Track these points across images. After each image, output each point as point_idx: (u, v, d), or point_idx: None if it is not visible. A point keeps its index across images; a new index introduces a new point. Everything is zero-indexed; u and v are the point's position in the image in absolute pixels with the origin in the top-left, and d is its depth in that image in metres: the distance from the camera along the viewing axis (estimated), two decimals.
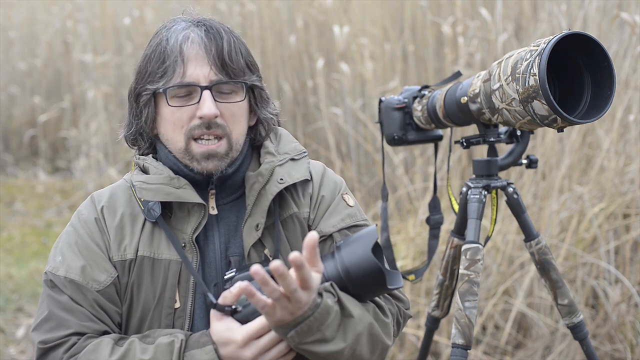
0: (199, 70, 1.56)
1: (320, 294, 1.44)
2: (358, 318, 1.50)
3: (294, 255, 1.35)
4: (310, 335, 1.44)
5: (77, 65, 7.67)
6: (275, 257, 1.60)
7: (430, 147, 3.96)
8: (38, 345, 1.54)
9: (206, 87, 1.55)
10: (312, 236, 1.39)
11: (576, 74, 1.76)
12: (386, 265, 1.59)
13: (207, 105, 1.54)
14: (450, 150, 2.32)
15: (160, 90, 1.56)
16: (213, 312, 1.51)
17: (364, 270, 1.48)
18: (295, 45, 5.39)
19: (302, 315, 1.42)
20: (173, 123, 1.58)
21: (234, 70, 1.58)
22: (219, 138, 1.57)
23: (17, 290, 4.72)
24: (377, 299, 1.58)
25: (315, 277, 1.42)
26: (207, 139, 1.57)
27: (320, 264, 1.44)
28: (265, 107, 1.66)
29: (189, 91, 1.57)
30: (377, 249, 1.51)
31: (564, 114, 1.66)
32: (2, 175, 7.98)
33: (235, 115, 1.59)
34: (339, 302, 1.48)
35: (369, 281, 1.49)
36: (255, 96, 1.64)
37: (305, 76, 5.35)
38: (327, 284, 1.48)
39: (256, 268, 1.34)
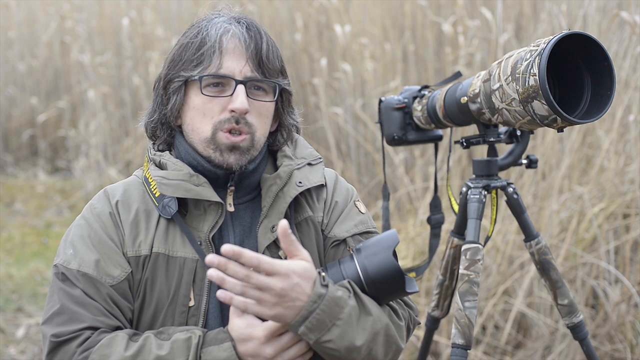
0: (236, 64, 1.57)
1: (325, 286, 1.43)
2: (377, 317, 1.50)
3: (224, 248, 1.34)
4: (325, 332, 1.43)
5: (76, 66, 7.67)
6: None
7: (430, 147, 3.96)
8: (50, 339, 1.52)
9: (241, 82, 1.57)
10: (282, 224, 1.40)
11: (576, 74, 1.76)
12: None
13: (240, 99, 1.55)
14: (450, 150, 2.32)
15: (196, 77, 1.57)
16: (233, 309, 1.49)
17: (384, 272, 1.49)
18: (296, 45, 5.39)
19: (306, 308, 1.41)
20: (203, 113, 1.58)
21: (269, 70, 1.59)
22: (242, 133, 1.58)
23: (17, 290, 4.72)
24: (391, 303, 1.59)
25: (291, 263, 1.41)
26: (232, 133, 1.58)
27: (302, 252, 1.44)
28: (290, 114, 1.69)
29: (223, 83, 1.58)
30: (393, 253, 1.52)
31: (564, 114, 1.66)
32: (2, 175, 7.98)
33: (262, 115, 1.61)
34: (358, 298, 1.48)
35: (388, 284, 1.50)
36: (283, 101, 1.67)
37: (306, 76, 5.35)
38: (345, 282, 1.49)
39: (210, 258, 1.34)
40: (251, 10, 5.65)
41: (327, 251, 1.67)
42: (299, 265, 1.42)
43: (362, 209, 1.74)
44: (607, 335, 3.14)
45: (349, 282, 1.49)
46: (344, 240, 1.67)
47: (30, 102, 8.18)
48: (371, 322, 1.49)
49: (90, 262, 1.56)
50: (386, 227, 2.37)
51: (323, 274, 1.47)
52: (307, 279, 1.42)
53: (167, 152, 1.66)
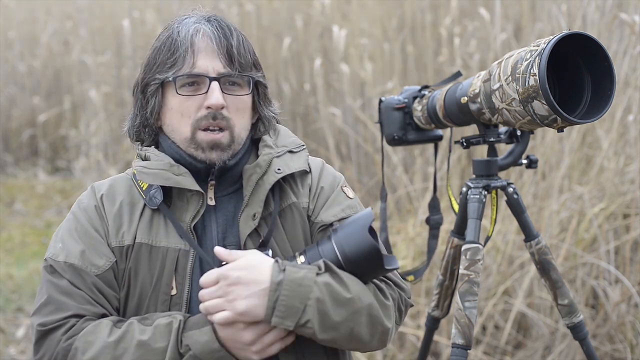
0: (209, 62, 1.60)
1: (282, 270, 1.47)
2: (356, 295, 1.51)
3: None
4: (301, 314, 1.46)
5: (77, 66, 7.67)
6: (267, 243, 1.63)
7: (430, 146, 3.96)
8: (37, 328, 1.56)
9: (215, 79, 1.60)
10: (216, 251, 1.52)
11: (576, 74, 1.76)
12: (382, 248, 1.60)
13: (215, 95, 1.59)
14: (450, 150, 2.32)
15: (170, 78, 1.60)
16: None
17: (361, 250, 1.49)
18: (293, 47, 5.38)
19: (270, 299, 1.45)
20: (181, 113, 1.62)
21: (242, 64, 1.63)
22: (222, 130, 1.61)
23: (17, 290, 4.72)
24: (377, 282, 1.59)
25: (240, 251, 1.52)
26: (212, 130, 1.61)
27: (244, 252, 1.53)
28: (267, 106, 1.72)
29: (198, 82, 1.61)
30: (372, 232, 1.52)
31: (564, 114, 1.66)
32: (2, 175, 7.98)
33: (239, 109, 1.64)
34: (334, 275, 1.49)
35: (366, 261, 1.50)
36: (259, 93, 1.69)
37: (305, 77, 5.35)
38: (320, 261, 1.50)
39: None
40: (250, 10, 5.65)
41: (315, 236, 1.68)
42: (247, 252, 1.52)
43: (350, 194, 1.75)
44: (607, 335, 3.14)
45: (323, 261, 1.51)
46: (331, 225, 1.67)
47: (30, 102, 8.18)
48: (348, 299, 1.50)
49: (76, 253, 1.60)
50: (383, 228, 2.37)
51: (279, 260, 1.50)
52: (257, 254, 1.51)
53: (153, 147, 1.70)
